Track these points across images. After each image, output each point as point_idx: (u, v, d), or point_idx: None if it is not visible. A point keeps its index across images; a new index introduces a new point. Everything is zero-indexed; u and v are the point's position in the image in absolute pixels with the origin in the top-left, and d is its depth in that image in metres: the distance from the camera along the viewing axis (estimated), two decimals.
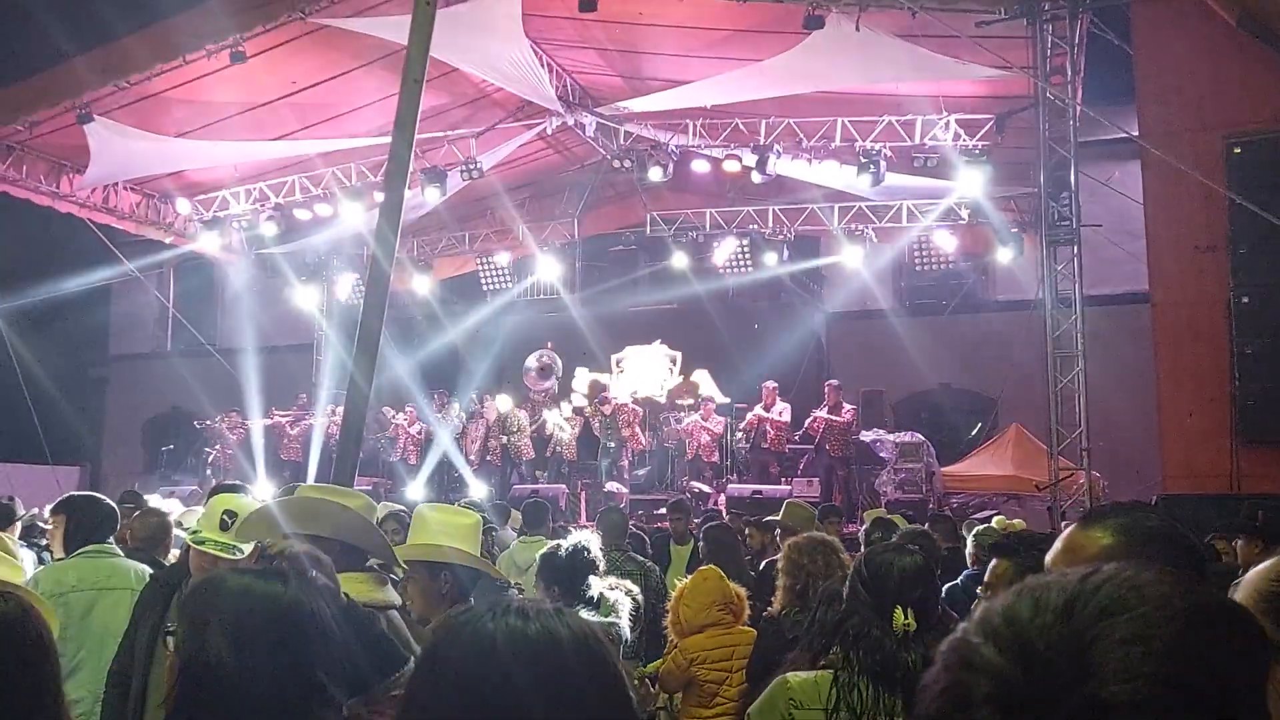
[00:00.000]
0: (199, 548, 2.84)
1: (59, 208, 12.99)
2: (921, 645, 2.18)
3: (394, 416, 14.01)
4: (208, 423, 14.54)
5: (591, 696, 1.01)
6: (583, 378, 14.97)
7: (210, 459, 14.35)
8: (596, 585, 3.57)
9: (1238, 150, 8.12)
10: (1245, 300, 8.12)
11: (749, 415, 12.61)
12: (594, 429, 13.19)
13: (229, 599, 1.48)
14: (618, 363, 15.16)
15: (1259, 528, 5.06)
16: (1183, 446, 8.43)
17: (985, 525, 5.38)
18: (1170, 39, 8.67)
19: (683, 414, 13.38)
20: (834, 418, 11.90)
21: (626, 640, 3.74)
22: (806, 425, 12.11)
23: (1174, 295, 8.63)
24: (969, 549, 4.85)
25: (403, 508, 5.94)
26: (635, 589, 3.74)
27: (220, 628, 1.45)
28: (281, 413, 14.41)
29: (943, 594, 4.32)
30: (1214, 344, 8.27)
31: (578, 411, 13.88)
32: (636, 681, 4.60)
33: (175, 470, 15.28)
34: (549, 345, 15.11)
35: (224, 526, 2.79)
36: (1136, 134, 8.82)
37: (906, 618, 2.17)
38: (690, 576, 4.10)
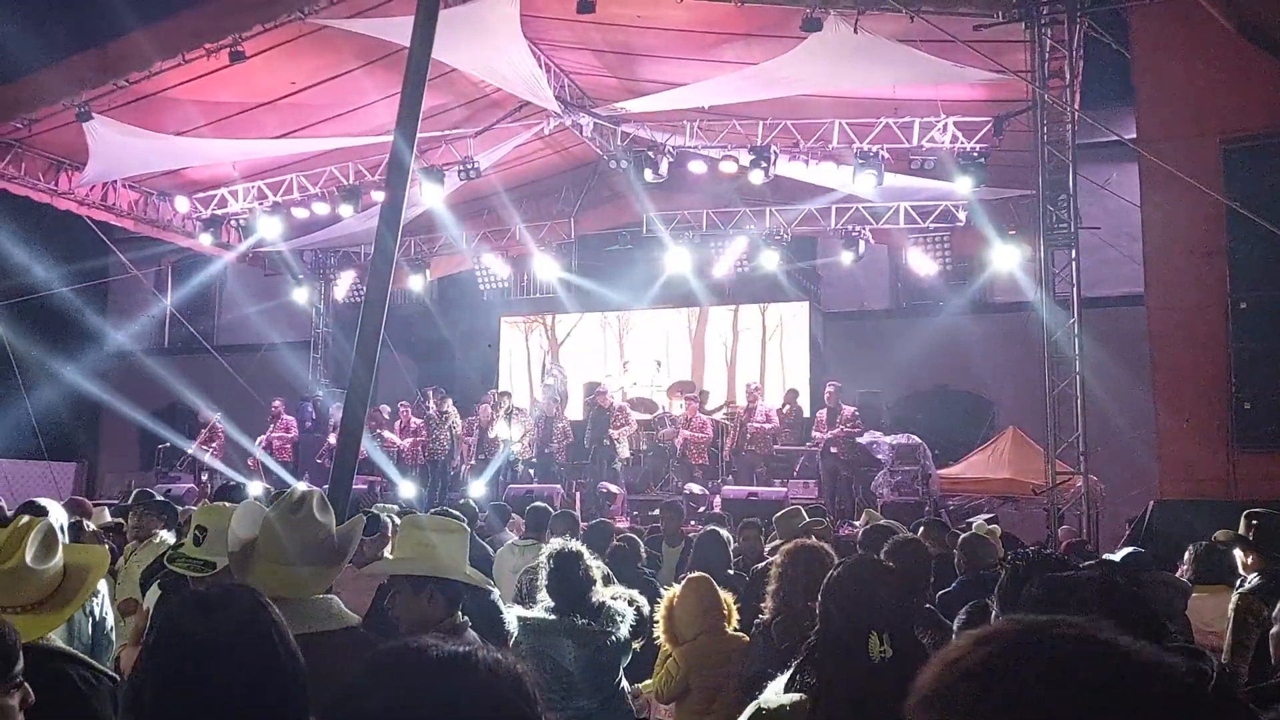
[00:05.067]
0: (170, 565, 2.85)
1: (57, 205, 13.01)
2: (897, 671, 2.06)
3: (389, 415, 13.99)
4: (203, 434, 14.40)
5: None
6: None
7: (208, 455, 14.30)
8: (600, 595, 3.58)
9: (1235, 156, 8.12)
10: (1243, 305, 8.09)
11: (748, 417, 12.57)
12: (588, 427, 13.17)
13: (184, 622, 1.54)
14: (624, 365, 15.13)
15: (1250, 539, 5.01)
16: (1180, 451, 8.39)
17: (970, 533, 5.35)
18: (1168, 44, 8.64)
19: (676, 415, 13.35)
20: (850, 429, 11.93)
21: (624, 645, 3.73)
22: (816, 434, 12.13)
23: (1171, 300, 8.60)
24: (957, 557, 4.82)
25: (396, 508, 5.94)
26: (640, 599, 3.72)
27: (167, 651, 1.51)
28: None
29: (936, 601, 4.33)
30: (1212, 348, 8.25)
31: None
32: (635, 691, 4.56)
33: (172, 468, 15.24)
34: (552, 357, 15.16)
35: (196, 542, 2.80)
36: (1133, 138, 8.81)
37: (883, 645, 2.06)
38: (680, 585, 4.07)
